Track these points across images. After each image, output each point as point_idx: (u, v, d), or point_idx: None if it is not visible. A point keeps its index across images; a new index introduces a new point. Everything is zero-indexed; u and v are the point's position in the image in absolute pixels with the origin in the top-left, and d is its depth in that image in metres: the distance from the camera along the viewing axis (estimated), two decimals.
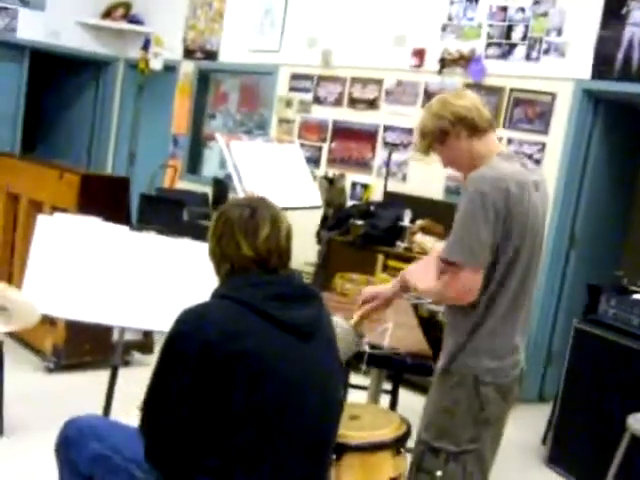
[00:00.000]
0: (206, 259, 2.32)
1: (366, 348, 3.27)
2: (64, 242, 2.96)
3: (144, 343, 5.59)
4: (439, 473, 2.68)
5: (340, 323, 2.90)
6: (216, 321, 2.09)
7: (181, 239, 3.31)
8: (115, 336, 5.31)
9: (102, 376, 5.12)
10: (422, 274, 2.84)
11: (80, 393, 4.74)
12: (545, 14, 5.97)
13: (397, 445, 2.65)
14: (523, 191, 2.62)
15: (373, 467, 2.57)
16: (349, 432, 2.56)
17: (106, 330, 5.20)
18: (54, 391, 4.84)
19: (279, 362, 2.11)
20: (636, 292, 4.53)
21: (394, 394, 3.59)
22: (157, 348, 5.53)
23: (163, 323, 3.01)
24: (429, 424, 2.75)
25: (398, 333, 3.53)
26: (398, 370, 3.54)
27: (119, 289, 2.99)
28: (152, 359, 5.42)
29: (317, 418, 2.21)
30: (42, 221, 3.01)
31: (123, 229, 3.11)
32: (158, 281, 3.08)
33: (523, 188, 2.62)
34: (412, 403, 3.43)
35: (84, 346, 5.23)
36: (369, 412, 2.88)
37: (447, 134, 2.74)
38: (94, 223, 3.04)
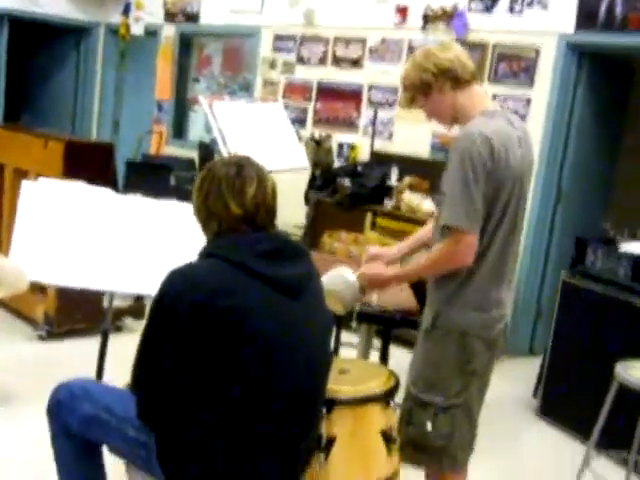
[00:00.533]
0: (193, 220, 2.33)
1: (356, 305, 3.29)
2: (50, 207, 2.95)
3: (135, 308, 5.60)
4: (428, 426, 2.72)
5: (346, 275, 2.89)
6: (205, 280, 2.10)
7: (167, 201, 3.30)
8: (105, 302, 5.35)
9: (94, 343, 5.12)
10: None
11: (73, 360, 4.75)
12: None
13: (386, 398, 2.68)
14: (507, 148, 2.63)
15: (363, 420, 2.60)
16: (339, 386, 2.59)
17: (97, 297, 5.21)
18: (47, 359, 4.86)
19: (268, 319, 2.13)
20: (622, 243, 4.55)
21: (384, 350, 3.62)
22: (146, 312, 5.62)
23: (152, 286, 3.02)
24: (417, 378, 2.78)
25: (386, 290, 3.56)
26: (387, 326, 3.56)
27: (107, 253, 2.99)
28: (144, 324, 5.44)
29: (306, 373, 2.23)
30: (27, 187, 2.99)
31: (108, 192, 3.10)
32: (146, 244, 3.08)
33: (507, 145, 2.63)
34: (402, 359, 3.45)
35: (76, 314, 5.24)
36: (358, 366, 2.91)
37: (430, 86, 2.74)
38: (79, 187, 3.03)
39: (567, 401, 4.65)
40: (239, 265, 2.12)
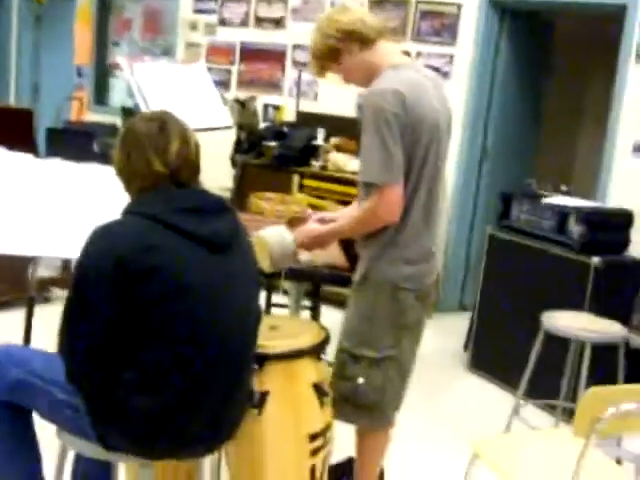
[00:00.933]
0: (116, 181, 2.28)
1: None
2: None
3: (62, 279, 5.50)
4: (361, 380, 2.74)
5: (283, 233, 2.87)
6: (128, 237, 2.07)
7: (89, 164, 3.22)
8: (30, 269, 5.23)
9: (21, 314, 5.05)
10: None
11: (2, 332, 4.65)
12: None
13: (317, 351, 2.68)
14: (419, 97, 2.63)
15: (295, 374, 2.60)
16: (269, 342, 2.58)
17: (23, 268, 5.07)
18: None
19: (193, 275, 2.10)
20: (546, 197, 4.64)
21: (314, 307, 3.62)
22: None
23: (77, 249, 2.96)
24: (350, 332, 2.79)
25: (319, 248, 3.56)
26: (316, 282, 3.56)
27: (30, 218, 2.91)
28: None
29: (234, 329, 2.21)
30: None
31: (29, 157, 3.01)
32: (69, 207, 3.01)
33: (419, 94, 2.64)
34: (333, 318, 3.46)
35: (0, 285, 5.11)
36: (288, 322, 2.90)
37: (339, 51, 2.75)
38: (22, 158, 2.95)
39: (496, 353, 4.75)
40: (160, 221, 2.09)
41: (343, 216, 2.96)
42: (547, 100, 6.75)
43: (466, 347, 5.18)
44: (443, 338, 5.32)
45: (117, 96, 8.65)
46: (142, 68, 3.94)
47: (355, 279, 2.83)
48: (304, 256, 3.42)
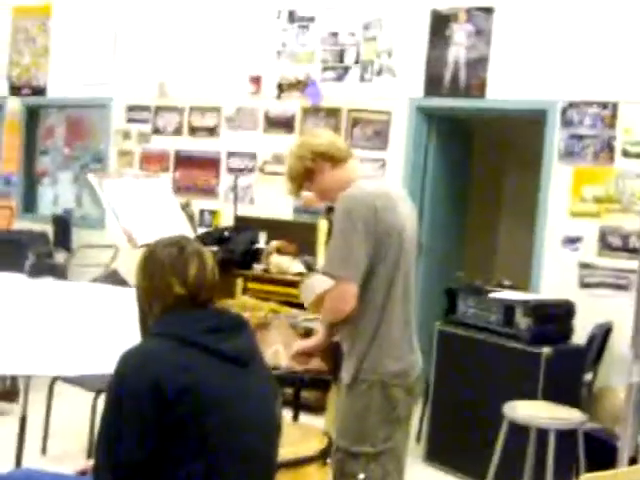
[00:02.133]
0: (85, 298, 2.37)
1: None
2: None
3: (10, 391, 5.42)
4: (362, 476, 2.86)
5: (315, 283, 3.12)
6: (161, 357, 2.15)
7: (77, 283, 3.30)
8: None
9: None
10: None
11: None
12: (374, 38, 6.33)
13: (323, 457, 2.79)
14: (390, 201, 2.88)
15: None
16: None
17: None
18: None
19: (224, 391, 2.19)
20: (490, 291, 4.91)
21: (295, 413, 3.72)
22: (22, 396, 5.43)
23: (70, 366, 3.02)
24: (345, 431, 2.92)
25: (289, 353, 3.68)
26: (297, 387, 3.68)
27: (15, 337, 2.96)
28: (17, 408, 5.26)
29: (261, 442, 2.30)
30: None
31: (20, 277, 3.09)
32: (56, 326, 3.07)
33: (389, 199, 2.89)
34: (309, 423, 3.58)
35: None
36: (289, 428, 3.00)
37: (312, 171, 3.00)
38: None
39: (453, 444, 4.90)
40: (189, 342, 2.19)
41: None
42: (470, 196, 7.15)
43: (418, 439, 5.33)
44: None
45: (45, 204, 8.66)
46: (110, 184, 4.08)
47: (344, 380, 2.98)
48: (283, 362, 3.56)
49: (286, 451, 2.70)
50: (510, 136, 7.49)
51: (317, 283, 3.13)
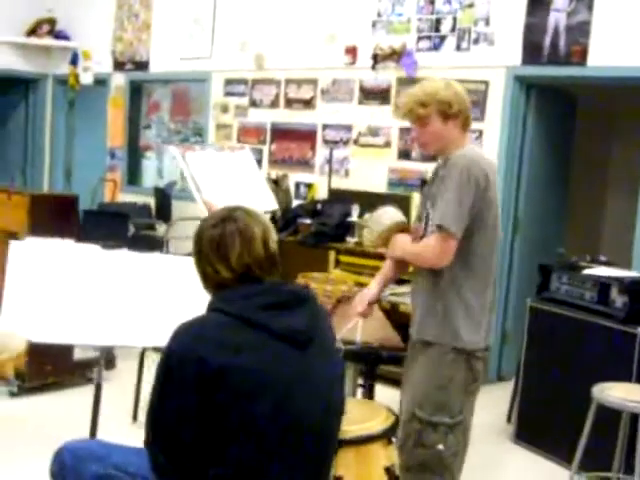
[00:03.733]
0: (177, 272, 2.36)
1: (340, 345, 3.37)
2: (39, 266, 2.97)
3: (105, 359, 5.57)
4: (441, 446, 2.85)
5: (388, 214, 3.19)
6: (212, 336, 2.11)
7: (151, 254, 3.33)
8: (77, 354, 5.32)
9: (66, 396, 5.15)
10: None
11: (48, 415, 4.73)
12: (471, 5, 6.13)
13: (388, 435, 2.74)
14: (494, 175, 2.93)
15: (367, 459, 2.65)
16: (342, 427, 2.63)
17: (67, 350, 5.19)
18: (21, 415, 4.81)
19: (277, 373, 2.13)
20: (584, 268, 4.71)
21: (371, 387, 3.67)
22: (119, 363, 5.59)
23: (149, 338, 3.06)
24: (424, 401, 2.92)
25: (368, 327, 3.63)
26: (373, 363, 3.63)
27: (98, 308, 3.02)
28: (114, 375, 5.43)
29: (318, 427, 2.24)
30: (15, 247, 3.01)
31: (95, 248, 3.13)
32: (136, 297, 3.11)
33: (494, 173, 2.95)
34: (387, 397, 3.52)
35: (46, 367, 5.20)
36: (356, 406, 2.96)
37: (448, 117, 2.93)
38: (66, 245, 3.06)
39: (542, 425, 4.76)
40: (244, 319, 2.14)
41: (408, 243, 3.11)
42: (573, 169, 6.89)
43: (509, 419, 5.20)
44: (485, 410, 5.29)
45: (149, 177, 8.87)
46: (194, 157, 4.09)
47: (424, 340, 2.97)
48: (359, 336, 3.51)
49: (350, 429, 2.67)
50: (615, 105, 7.16)
51: (387, 215, 3.15)
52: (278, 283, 2.29)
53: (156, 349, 4.60)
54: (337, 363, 2.40)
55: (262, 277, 2.25)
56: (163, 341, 2.18)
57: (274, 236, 2.33)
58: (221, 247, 2.22)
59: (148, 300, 3.15)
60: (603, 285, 4.46)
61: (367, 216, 3.19)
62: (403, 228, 3.18)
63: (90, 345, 3.01)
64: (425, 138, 3.01)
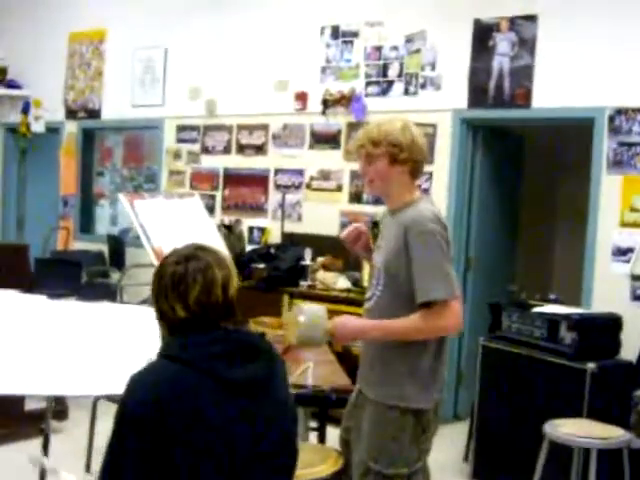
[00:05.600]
0: (126, 320, 2.34)
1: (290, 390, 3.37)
2: None
3: (57, 409, 5.50)
4: None
5: (319, 313, 2.97)
6: (167, 381, 2.08)
7: (99, 303, 3.32)
8: (30, 405, 5.24)
9: (18, 447, 5.05)
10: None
11: None
12: (418, 50, 6.27)
13: (337, 479, 2.74)
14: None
15: None
16: None
17: (17, 400, 5.11)
18: None
19: (230, 423, 2.08)
20: (534, 306, 4.79)
21: (322, 431, 3.68)
22: (71, 413, 5.52)
23: (100, 387, 3.03)
24: (378, 455, 2.85)
25: (319, 371, 3.65)
26: (324, 407, 3.63)
27: (49, 358, 2.98)
28: (67, 425, 5.35)
29: (273, 470, 2.20)
30: None
31: (41, 298, 3.11)
32: (86, 346, 3.09)
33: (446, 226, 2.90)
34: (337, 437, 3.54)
35: None
36: (304, 450, 2.95)
37: (396, 161, 2.86)
38: (12, 295, 3.04)
39: (498, 462, 4.79)
40: (195, 367, 2.08)
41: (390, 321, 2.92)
42: (522, 207, 7.01)
43: (466, 458, 5.22)
44: (441, 450, 5.29)
45: (102, 225, 8.83)
46: (142, 205, 4.10)
47: (372, 396, 2.91)
48: (310, 381, 3.52)
49: (300, 473, 2.65)
50: (561, 144, 7.32)
51: (321, 314, 2.99)
52: (232, 331, 2.22)
53: (109, 398, 4.56)
54: (289, 417, 2.32)
55: (217, 324, 2.19)
56: (114, 389, 2.14)
57: (235, 283, 2.26)
58: (181, 285, 2.15)
59: (97, 349, 3.12)
60: (552, 322, 4.54)
61: (300, 319, 2.97)
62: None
63: (39, 395, 2.96)
64: (370, 176, 2.95)
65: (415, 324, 2.78)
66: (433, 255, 2.75)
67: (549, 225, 7.83)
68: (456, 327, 2.83)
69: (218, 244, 4.47)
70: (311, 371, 3.60)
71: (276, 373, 2.27)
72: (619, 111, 5.35)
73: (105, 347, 3.12)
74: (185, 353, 2.12)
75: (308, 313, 2.95)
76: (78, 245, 8.51)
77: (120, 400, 2.09)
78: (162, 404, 2.02)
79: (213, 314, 2.18)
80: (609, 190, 5.38)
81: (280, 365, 2.31)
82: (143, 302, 6.06)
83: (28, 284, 5.37)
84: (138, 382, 2.10)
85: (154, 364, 2.16)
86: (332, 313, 5.73)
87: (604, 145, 5.40)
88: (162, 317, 2.22)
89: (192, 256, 2.21)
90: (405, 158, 2.86)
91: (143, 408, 2.04)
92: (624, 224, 5.31)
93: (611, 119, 5.37)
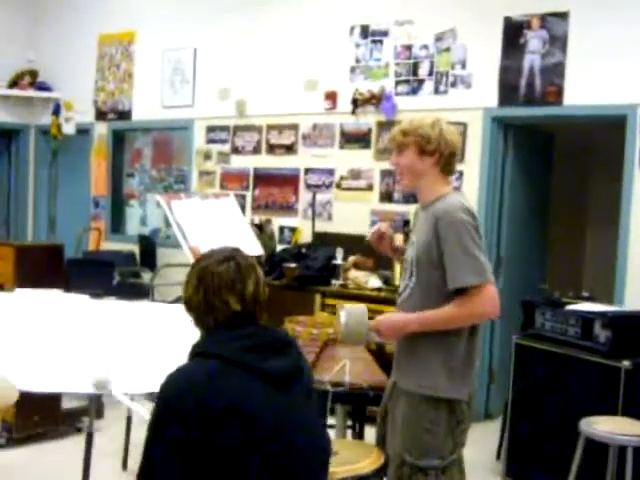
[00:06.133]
0: (165, 319, 2.37)
1: (329, 387, 3.41)
2: (28, 316, 2.99)
3: (95, 408, 5.55)
4: None
5: (363, 313, 3.02)
6: (204, 379, 2.14)
7: (138, 302, 3.36)
8: (65, 404, 5.31)
9: (55, 446, 5.12)
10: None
11: (36, 466, 4.71)
12: (448, 49, 6.27)
13: (379, 475, 2.76)
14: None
15: None
16: (332, 468, 2.65)
17: (54, 400, 5.18)
18: (9, 466, 4.78)
19: (264, 415, 2.13)
20: (567, 304, 4.78)
21: (361, 428, 3.70)
22: (106, 412, 5.57)
23: (138, 386, 3.08)
24: (411, 446, 2.89)
25: (356, 368, 3.67)
26: (361, 404, 3.65)
27: (89, 357, 3.03)
28: (103, 424, 5.41)
29: (303, 467, 2.23)
30: (2, 298, 3.04)
31: (83, 298, 3.16)
32: (125, 345, 3.13)
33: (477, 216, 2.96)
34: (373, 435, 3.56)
35: (33, 418, 5.19)
36: (345, 447, 2.99)
37: (424, 152, 2.96)
38: (55, 295, 3.09)
39: (531, 460, 4.79)
40: (232, 362, 2.15)
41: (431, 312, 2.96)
42: (553, 205, 6.99)
43: (498, 456, 5.21)
44: (474, 448, 5.28)
45: (132, 225, 8.90)
46: (179, 205, 4.14)
47: (410, 389, 2.95)
48: (347, 378, 3.54)
49: (341, 470, 2.69)
50: (592, 142, 7.30)
51: (362, 312, 3.04)
52: (266, 327, 2.32)
53: (145, 396, 4.61)
54: (316, 410, 2.41)
55: (258, 319, 2.29)
56: (152, 388, 2.18)
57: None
58: (238, 280, 2.24)
59: (137, 348, 3.17)
60: (586, 320, 4.52)
61: (342, 321, 3.05)
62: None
63: (80, 394, 3.02)
64: (400, 167, 3.04)
65: (452, 312, 2.84)
66: (464, 243, 2.82)
67: (580, 223, 7.81)
68: (494, 311, 2.87)
69: (253, 243, 4.51)
70: (348, 369, 3.62)
71: (303, 365, 2.35)
72: None
73: (143, 346, 3.17)
74: (222, 348, 2.17)
75: (350, 313, 3.01)
76: (109, 245, 8.59)
77: (157, 397, 2.13)
78: (200, 397, 2.07)
79: (258, 309, 2.27)
80: None
81: (304, 357, 2.40)
82: (176, 301, 6.11)
83: (64, 284, 5.43)
84: (175, 378, 2.15)
85: (189, 363, 2.20)
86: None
87: (636, 142, 5.37)
88: (208, 313, 2.26)
89: (231, 256, 2.30)
90: (433, 149, 2.95)
91: (181, 400, 2.08)
92: None
93: None
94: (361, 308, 3.04)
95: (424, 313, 2.90)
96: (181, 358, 2.28)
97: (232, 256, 2.30)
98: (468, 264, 2.80)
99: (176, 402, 2.10)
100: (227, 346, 2.19)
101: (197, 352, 2.25)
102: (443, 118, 3.07)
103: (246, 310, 2.26)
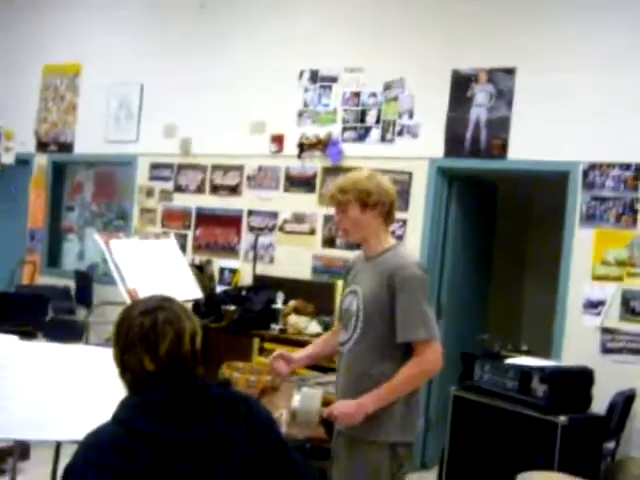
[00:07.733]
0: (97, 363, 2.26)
1: None
2: None
3: (19, 449, 5.35)
4: None
5: (307, 395, 3.07)
6: (104, 443, 1.99)
7: (70, 345, 3.25)
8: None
9: None
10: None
11: None
12: (396, 98, 6.31)
13: None
14: None
15: None
16: None
17: None
18: None
19: None
20: (506, 357, 4.79)
21: None
22: (32, 453, 5.38)
23: (65, 432, 2.95)
24: None
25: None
26: None
27: (15, 401, 2.91)
28: (28, 465, 5.21)
29: None
30: None
31: (12, 338, 3.04)
32: (54, 389, 3.01)
33: None
34: None
35: None
36: None
37: (367, 206, 3.02)
38: None
39: None
40: (134, 432, 1.99)
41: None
42: (495, 257, 7.05)
43: None
44: None
45: (70, 260, 8.71)
46: (117, 244, 4.05)
47: (353, 434, 2.95)
48: (284, 430, 3.46)
49: None
50: (534, 195, 7.41)
51: (316, 398, 3.08)
52: (185, 391, 2.08)
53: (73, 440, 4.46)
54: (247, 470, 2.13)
55: (181, 378, 2.08)
56: (78, 435, 2.07)
57: (200, 334, 2.24)
58: (152, 337, 2.06)
59: (64, 393, 3.05)
60: (524, 375, 4.53)
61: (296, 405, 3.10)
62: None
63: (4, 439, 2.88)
64: (344, 224, 3.10)
65: (409, 373, 2.89)
66: (418, 298, 2.90)
67: (520, 274, 7.88)
68: (439, 367, 2.95)
69: (193, 286, 4.43)
70: (284, 419, 3.54)
71: (228, 436, 2.12)
72: (593, 166, 5.42)
73: (72, 391, 3.05)
74: (131, 416, 2.02)
75: (304, 398, 3.07)
76: (45, 280, 8.38)
77: (72, 456, 2.02)
78: (102, 466, 1.95)
79: (179, 366, 2.09)
80: (581, 243, 5.43)
81: (247, 412, 2.17)
82: (109, 340, 5.97)
83: None
84: (84, 444, 2.03)
85: (102, 425, 2.07)
86: None
87: (578, 199, 5.46)
88: (125, 371, 2.10)
89: (159, 306, 2.12)
90: (375, 202, 3.02)
91: (85, 469, 1.97)
92: (595, 277, 5.36)
93: (585, 173, 5.44)
94: (315, 395, 3.08)
95: (381, 389, 2.90)
96: (108, 404, 2.16)
97: (155, 308, 2.11)
98: (420, 319, 2.88)
99: (79, 469, 1.97)
100: (128, 413, 2.03)
101: (114, 415, 2.10)
102: (375, 171, 3.19)
103: (163, 370, 2.07)
